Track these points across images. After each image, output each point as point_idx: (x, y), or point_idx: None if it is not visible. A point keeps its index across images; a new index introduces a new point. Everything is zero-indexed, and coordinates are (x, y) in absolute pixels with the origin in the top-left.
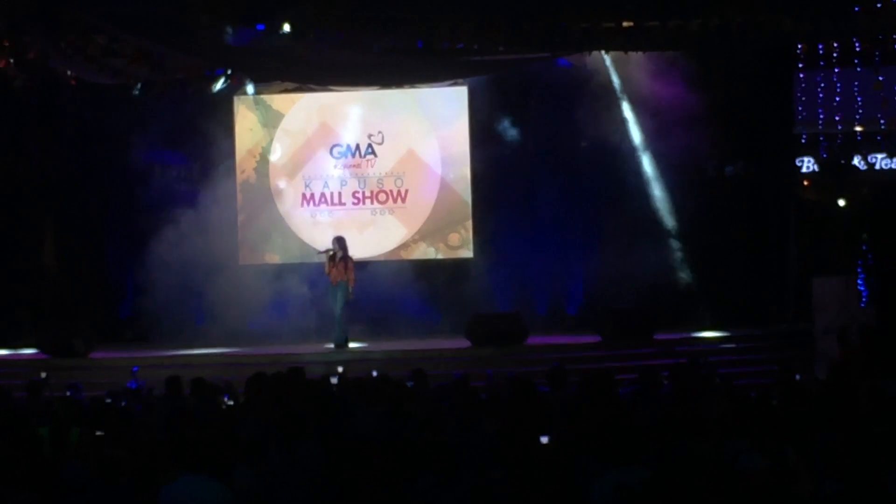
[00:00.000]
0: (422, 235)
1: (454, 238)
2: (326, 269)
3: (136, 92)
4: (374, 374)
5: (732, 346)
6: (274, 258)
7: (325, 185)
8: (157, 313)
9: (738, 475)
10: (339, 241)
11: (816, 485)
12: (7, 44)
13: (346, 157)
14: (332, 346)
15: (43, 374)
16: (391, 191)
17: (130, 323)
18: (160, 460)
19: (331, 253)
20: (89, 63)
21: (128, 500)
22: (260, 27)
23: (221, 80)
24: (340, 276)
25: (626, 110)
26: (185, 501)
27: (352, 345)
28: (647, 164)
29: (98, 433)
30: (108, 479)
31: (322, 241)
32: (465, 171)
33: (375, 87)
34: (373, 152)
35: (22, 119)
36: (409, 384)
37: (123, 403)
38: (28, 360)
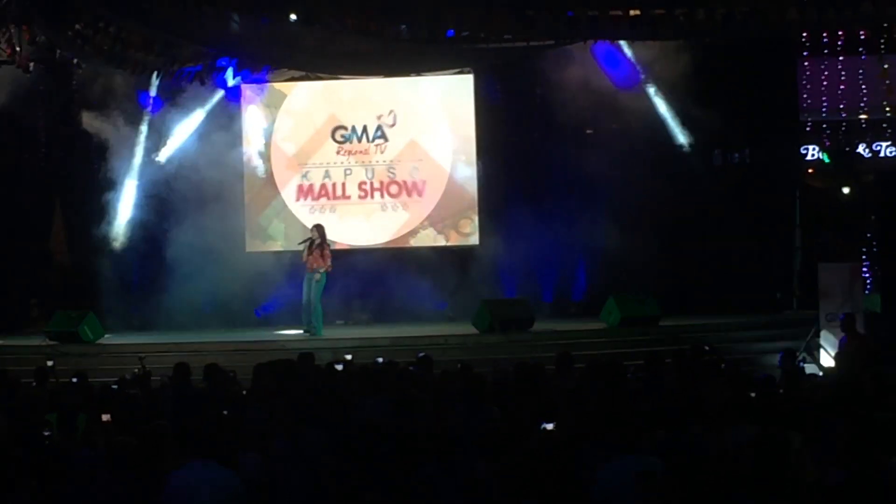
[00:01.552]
0: (430, 222)
1: (465, 225)
2: (303, 257)
3: (155, 80)
4: (380, 360)
5: (738, 332)
6: (275, 245)
7: (330, 172)
8: (165, 300)
9: (739, 457)
10: (318, 229)
11: (821, 472)
12: (14, 31)
13: (352, 141)
14: (309, 332)
15: (50, 363)
16: (399, 179)
17: (138, 310)
18: (167, 446)
19: (314, 241)
20: (97, 52)
21: (135, 485)
22: (265, 18)
23: (231, 71)
24: (317, 264)
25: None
26: (193, 487)
27: (358, 331)
28: (653, 151)
29: (105, 420)
30: (115, 466)
31: (326, 227)
32: (472, 158)
33: (382, 76)
34: (382, 136)
35: (29, 106)
36: (413, 369)
37: (131, 390)
38: (36, 347)
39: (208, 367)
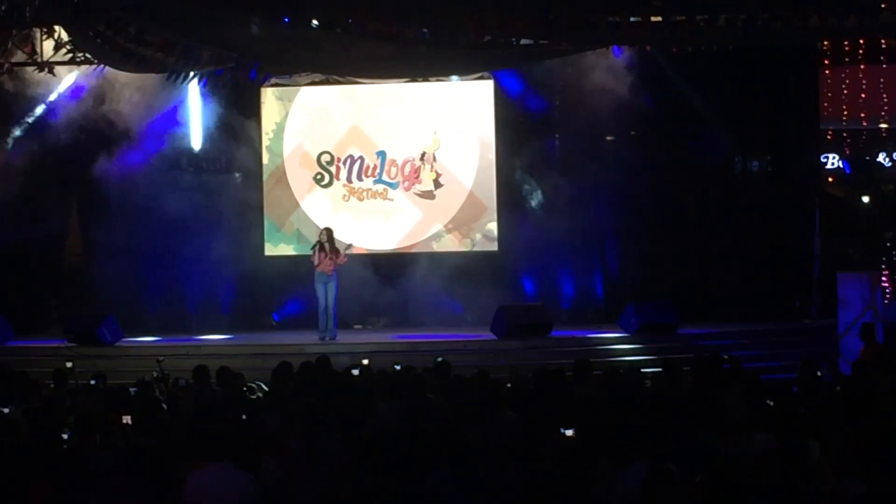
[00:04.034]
0: (449, 228)
1: (484, 230)
2: (317, 260)
3: (182, 82)
4: (398, 367)
5: (756, 341)
6: (288, 249)
7: (350, 169)
8: (183, 303)
9: (757, 466)
10: (328, 232)
11: (838, 481)
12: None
13: (372, 135)
14: (327, 337)
15: (69, 364)
16: (418, 182)
17: (156, 312)
18: (187, 449)
19: (323, 244)
20: (116, 52)
21: (154, 488)
22: (286, 20)
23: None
24: (333, 266)
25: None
26: (211, 490)
27: (376, 336)
28: (672, 158)
29: (125, 422)
30: (134, 468)
31: (343, 229)
32: (492, 164)
33: (403, 80)
34: (400, 141)
35: (49, 108)
36: (432, 375)
37: (150, 393)
38: (55, 348)
39: (220, 371)
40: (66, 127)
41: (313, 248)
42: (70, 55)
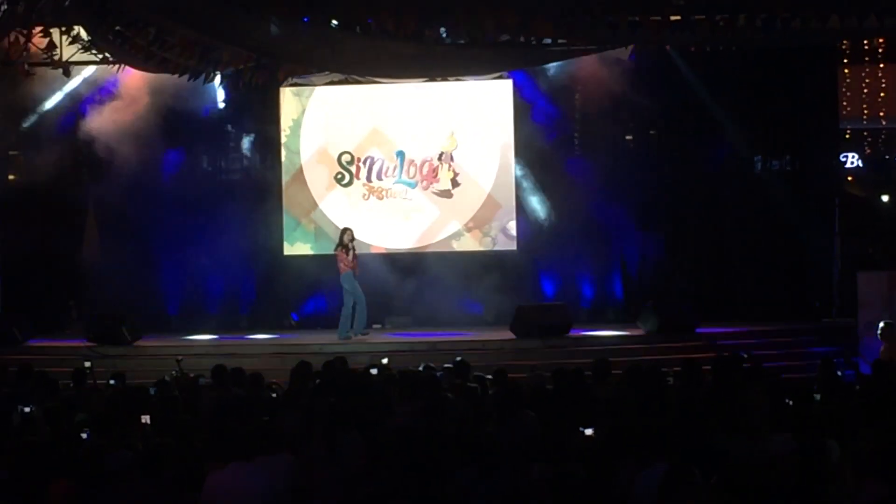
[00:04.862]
0: (468, 227)
1: (503, 230)
2: (346, 264)
3: (203, 83)
4: (421, 367)
5: (776, 341)
6: (305, 248)
7: (370, 169)
8: (203, 303)
9: (777, 467)
10: (352, 232)
11: (858, 482)
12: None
13: (391, 133)
14: (362, 335)
15: (87, 364)
16: (436, 182)
17: (176, 312)
18: (206, 449)
19: (346, 243)
20: (136, 52)
21: (172, 487)
22: (306, 19)
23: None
24: (354, 265)
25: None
26: (230, 489)
27: (396, 335)
28: (692, 158)
29: (144, 421)
30: (152, 468)
31: (362, 228)
32: (510, 163)
33: (422, 79)
34: (419, 141)
35: (68, 105)
36: (440, 375)
37: (169, 392)
38: (75, 348)
39: (233, 372)
40: (83, 126)
41: (346, 251)
42: (87, 53)
